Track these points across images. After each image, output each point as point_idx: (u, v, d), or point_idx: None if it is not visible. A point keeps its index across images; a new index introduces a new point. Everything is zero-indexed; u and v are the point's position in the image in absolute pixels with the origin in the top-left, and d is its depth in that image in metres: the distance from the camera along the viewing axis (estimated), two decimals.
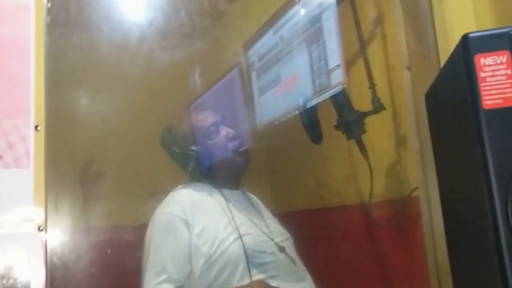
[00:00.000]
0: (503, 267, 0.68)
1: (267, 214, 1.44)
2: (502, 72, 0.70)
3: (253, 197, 1.47)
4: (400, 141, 1.48)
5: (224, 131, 1.39)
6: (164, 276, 1.19)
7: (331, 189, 1.75)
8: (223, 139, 1.38)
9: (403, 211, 1.45)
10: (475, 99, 0.70)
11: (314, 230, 1.73)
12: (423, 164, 1.37)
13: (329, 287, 1.64)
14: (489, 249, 0.70)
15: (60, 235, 1.34)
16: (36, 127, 0.91)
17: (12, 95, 0.89)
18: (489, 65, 0.70)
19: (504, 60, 0.70)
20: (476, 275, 0.82)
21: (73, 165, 1.54)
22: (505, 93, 0.69)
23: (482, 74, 0.70)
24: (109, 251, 1.43)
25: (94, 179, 1.59)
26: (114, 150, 1.63)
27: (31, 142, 0.89)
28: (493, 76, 0.70)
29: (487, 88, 0.70)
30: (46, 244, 0.88)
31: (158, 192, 1.37)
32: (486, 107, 0.70)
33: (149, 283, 1.19)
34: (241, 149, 1.38)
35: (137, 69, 1.67)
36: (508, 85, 0.69)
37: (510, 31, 0.70)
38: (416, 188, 1.40)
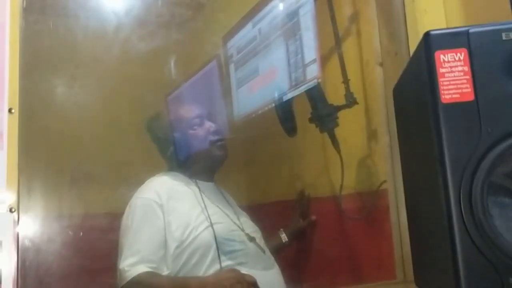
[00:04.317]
0: (455, 254, 0.72)
1: (238, 208, 1.50)
2: (459, 68, 0.74)
3: (225, 191, 1.52)
4: (372, 135, 1.52)
5: (207, 124, 1.45)
6: (139, 257, 1.23)
7: (304, 181, 1.79)
8: (205, 131, 1.44)
9: (372, 203, 1.49)
10: (434, 93, 0.74)
11: (288, 222, 1.77)
12: (392, 158, 1.42)
13: (301, 276, 1.68)
14: (443, 236, 0.74)
15: (32, 218, 1.35)
16: (10, 110, 0.91)
17: None
18: (448, 61, 0.74)
19: (462, 57, 0.74)
20: (432, 262, 0.86)
21: (48, 150, 1.54)
22: (461, 88, 0.73)
23: (442, 70, 0.74)
24: (81, 233, 1.44)
25: (68, 166, 1.61)
26: (88, 137, 1.64)
27: (4, 124, 0.90)
28: (452, 72, 0.74)
29: (445, 83, 0.74)
30: (17, 225, 0.89)
31: (132, 180, 1.39)
32: (444, 101, 0.74)
33: (124, 264, 1.23)
34: (219, 144, 1.43)
35: (114, 57, 1.67)
36: (465, 81, 0.73)
37: (468, 30, 0.74)
38: (384, 181, 1.44)
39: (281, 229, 1.61)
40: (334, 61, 1.52)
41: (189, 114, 1.46)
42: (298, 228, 1.63)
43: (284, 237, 1.58)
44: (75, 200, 1.55)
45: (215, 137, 1.43)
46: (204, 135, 1.43)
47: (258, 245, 1.35)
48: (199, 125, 1.44)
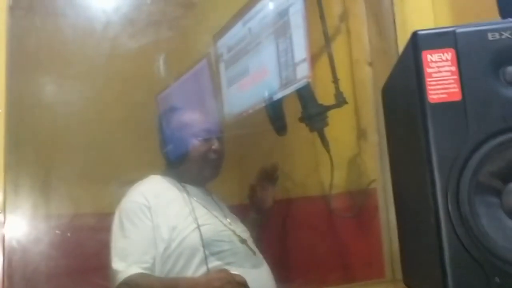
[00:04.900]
0: (442, 252, 0.72)
1: (228, 211, 1.50)
2: (446, 68, 0.74)
3: (214, 195, 1.52)
4: (361, 134, 1.53)
5: (212, 142, 1.44)
6: (131, 259, 1.24)
7: (295, 181, 1.79)
8: (207, 147, 1.43)
9: (362, 202, 1.50)
10: (421, 93, 0.74)
11: (279, 221, 1.77)
12: (381, 157, 1.43)
13: (291, 274, 1.68)
14: (430, 234, 0.75)
15: (19, 217, 1.34)
16: None
17: None
18: (435, 62, 0.74)
19: (449, 57, 0.74)
20: (420, 261, 0.87)
21: (36, 150, 1.53)
22: (449, 88, 0.74)
23: (429, 70, 0.74)
24: (69, 234, 1.44)
25: (57, 165, 1.60)
26: (78, 136, 1.63)
27: None
28: (439, 72, 0.74)
29: (432, 83, 0.74)
30: (4, 225, 0.89)
31: (122, 178, 1.38)
32: (431, 101, 0.74)
33: (117, 265, 1.23)
34: (214, 163, 1.43)
35: (103, 56, 1.66)
36: (452, 81, 0.74)
37: (455, 30, 0.75)
38: (374, 180, 1.45)
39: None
40: (324, 60, 1.52)
41: (202, 124, 1.47)
42: (258, 201, 1.56)
43: (253, 214, 1.55)
44: (63, 199, 1.54)
45: (213, 156, 1.44)
46: (204, 150, 1.43)
47: (249, 247, 1.36)
48: (205, 139, 1.44)
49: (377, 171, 1.44)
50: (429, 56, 0.74)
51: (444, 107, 0.73)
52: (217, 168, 1.47)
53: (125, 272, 1.21)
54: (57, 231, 1.41)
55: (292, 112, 1.53)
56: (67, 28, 1.59)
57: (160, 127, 1.49)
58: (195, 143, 1.43)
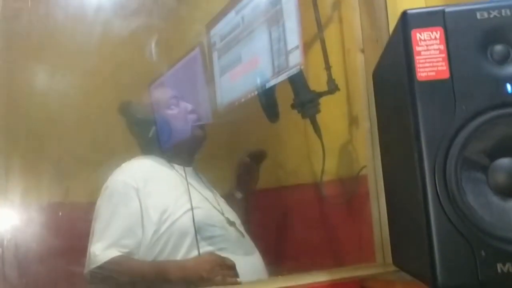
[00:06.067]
0: (429, 228, 0.73)
1: (216, 193, 1.49)
2: (435, 46, 0.75)
3: (203, 177, 1.51)
4: (353, 121, 1.54)
5: (183, 105, 1.45)
6: (110, 241, 1.20)
7: (287, 169, 1.80)
8: (183, 111, 1.44)
9: (353, 188, 1.51)
10: (410, 71, 0.75)
11: (271, 209, 1.78)
12: (372, 144, 1.43)
13: (284, 261, 1.69)
14: (418, 212, 0.76)
15: (10, 199, 1.33)
16: None
17: None
18: (424, 40, 0.75)
19: (437, 36, 0.75)
20: (408, 239, 0.88)
21: (27, 133, 1.52)
22: (437, 66, 0.74)
23: (418, 48, 0.75)
24: (60, 213, 1.43)
25: (48, 149, 1.60)
26: (69, 121, 1.63)
27: None
28: (427, 50, 0.75)
29: (421, 61, 0.75)
30: None
31: (113, 163, 1.38)
32: (420, 79, 0.75)
33: (95, 247, 1.19)
34: (198, 123, 1.43)
35: (95, 42, 1.66)
36: (440, 59, 0.74)
37: (444, 9, 0.75)
38: (364, 167, 1.46)
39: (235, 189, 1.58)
40: (316, 48, 1.53)
41: (164, 95, 1.48)
42: (245, 180, 1.58)
43: (238, 194, 1.56)
44: (55, 183, 1.54)
45: (194, 116, 1.44)
46: (182, 114, 1.44)
47: (238, 230, 1.36)
48: (176, 105, 1.45)
49: (368, 158, 1.45)
50: (418, 35, 0.75)
51: (432, 85, 0.74)
52: (202, 128, 1.44)
53: (101, 256, 1.17)
54: (49, 213, 1.41)
55: (285, 99, 1.53)
56: (58, 12, 1.59)
57: (132, 120, 1.47)
58: (170, 113, 1.44)
